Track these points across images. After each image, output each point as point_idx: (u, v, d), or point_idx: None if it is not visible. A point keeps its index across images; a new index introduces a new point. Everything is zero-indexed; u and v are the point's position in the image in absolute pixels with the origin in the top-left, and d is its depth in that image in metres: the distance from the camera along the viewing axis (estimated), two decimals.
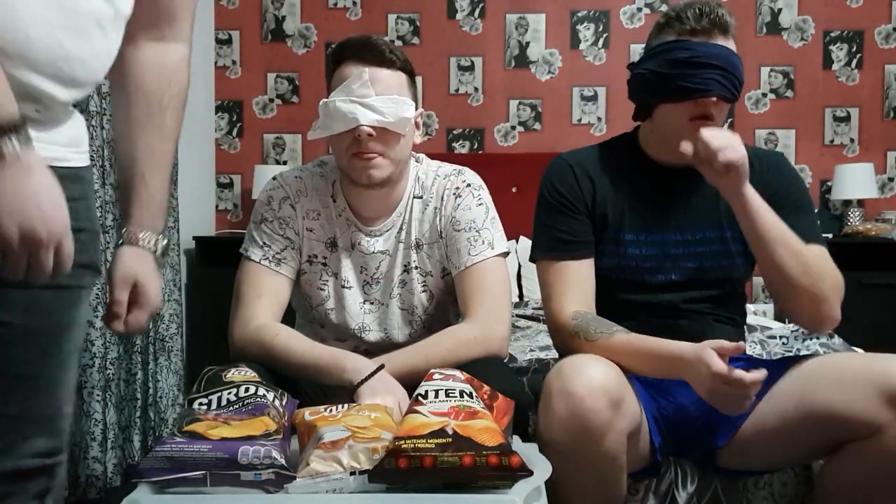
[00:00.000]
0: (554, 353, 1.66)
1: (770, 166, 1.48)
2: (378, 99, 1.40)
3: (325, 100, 1.43)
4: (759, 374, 1.20)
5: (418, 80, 1.64)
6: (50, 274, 0.82)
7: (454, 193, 1.53)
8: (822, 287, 1.35)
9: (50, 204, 0.81)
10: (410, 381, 1.26)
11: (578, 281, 1.44)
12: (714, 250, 1.47)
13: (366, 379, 1.29)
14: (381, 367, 1.33)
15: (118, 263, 1.07)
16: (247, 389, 1.12)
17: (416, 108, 1.47)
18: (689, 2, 1.37)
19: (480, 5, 3.82)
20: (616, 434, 1.23)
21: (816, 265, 1.35)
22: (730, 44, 1.37)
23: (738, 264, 1.48)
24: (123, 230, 1.08)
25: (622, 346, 1.33)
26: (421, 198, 1.55)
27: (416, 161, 1.58)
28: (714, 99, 1.34)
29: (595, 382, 1.21)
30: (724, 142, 1.28)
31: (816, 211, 1.58)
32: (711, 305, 1.48)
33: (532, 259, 1.53)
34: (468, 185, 1.54)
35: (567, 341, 1.40)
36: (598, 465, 1.24)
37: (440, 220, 1.53)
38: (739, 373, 1.19)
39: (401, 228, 1.54)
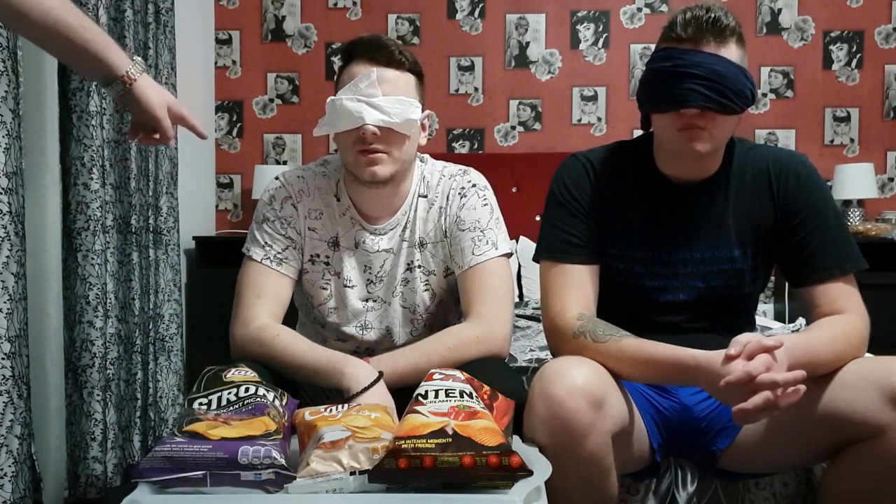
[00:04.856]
0: None
1: (789, 187, 1.41)
2: (385, 99, 1.40)
3: (332, 98, 1.44)
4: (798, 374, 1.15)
5: None
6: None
7: (459, 193, 1.53)
8: (859, 354, 1.33)
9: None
10: (412, 380, 1.26)
11: (583, 285, 1.41)
12: (724, 269, 1.43)
13: (360, 392, 1.28)
14: (380, 375, 1.32)
15: (151, 96, 1.21)
16: (247, 389, 1.12)
17: (423, 110, 1.47)
18: (687, 6, 1.33)
19: (480, 5, 3.82)
20: (599, 435, 1.21)
21: (851, 351, 1.30)
22: (725, 50, 1.30)
23: (748, 281, 1.45)
24: (119, 75, 1.17)
25: (632, 351, 1.28)
26: (426, 197, 1.55)
27: (422, 161, 1.58)
28: (696, 111, 1.29)
29: (575, 384, 1.19)
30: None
31: None
32: (718, 323, 1.45)
33: (536, 259, 1.49)
34: (473, 186, 1.54)
35: (567, 342, 1.35)
36: (582, 467, 1.22)
37: (445, 219, 1.54)
38: (769, 375, 1.14)
39: (405, 227, 1.54)
